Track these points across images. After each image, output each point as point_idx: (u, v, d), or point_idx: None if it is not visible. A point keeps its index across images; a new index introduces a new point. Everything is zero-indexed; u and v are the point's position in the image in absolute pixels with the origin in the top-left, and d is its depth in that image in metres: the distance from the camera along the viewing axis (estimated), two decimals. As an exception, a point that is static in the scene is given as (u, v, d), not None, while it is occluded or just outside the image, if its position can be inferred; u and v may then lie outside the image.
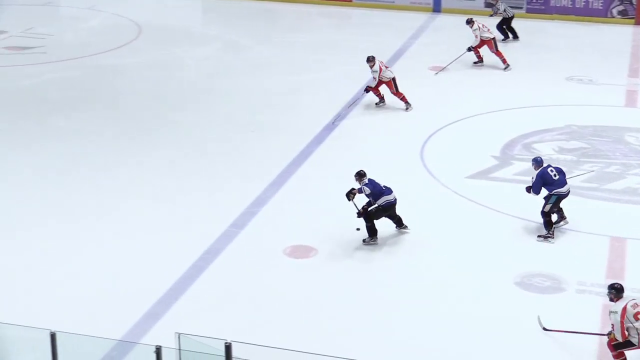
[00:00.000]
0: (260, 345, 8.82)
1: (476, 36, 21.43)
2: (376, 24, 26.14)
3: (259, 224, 14.14)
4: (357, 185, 13.30)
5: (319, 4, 28.42)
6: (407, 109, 18.86)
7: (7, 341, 9.56)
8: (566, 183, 13.59)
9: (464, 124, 18.31)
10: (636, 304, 10.42)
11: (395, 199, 13.42)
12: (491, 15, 24.49)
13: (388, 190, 13.41)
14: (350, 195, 13.22)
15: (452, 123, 18.27)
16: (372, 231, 13.41)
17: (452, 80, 21.03)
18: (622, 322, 10.35)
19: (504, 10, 23.97)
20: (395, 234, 13.67)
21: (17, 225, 13.99)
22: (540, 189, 13.50)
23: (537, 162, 13.69)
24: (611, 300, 10.65)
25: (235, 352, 8.30)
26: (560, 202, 13.60)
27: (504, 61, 21.67)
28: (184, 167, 16.26)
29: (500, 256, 13.13)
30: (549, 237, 13.53)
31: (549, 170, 13.52)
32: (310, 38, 25.16)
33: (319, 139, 17.48)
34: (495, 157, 16.67)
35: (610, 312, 10.54)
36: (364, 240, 13.43)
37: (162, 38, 24.71)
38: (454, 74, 21.35)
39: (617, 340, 10.44)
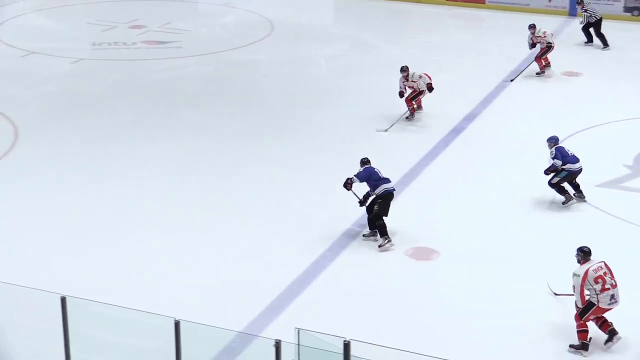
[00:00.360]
0: (378, 345, 8.79)
1: (537, 42, 20.92)
2: (509, 26, 25.70)
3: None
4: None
5: (450, 5, 28.18)
6: (407, 117, 18.17)
7: (133, 326, 9.83)
8: (579, 161, 14.31)
9: (596, 131, 17.83)
10: (600, 267, 10.93)
11: (394, 189, 13.37)
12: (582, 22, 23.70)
13: (386, 180, 13.29)
14: (347, 185, 13.22)
15: (584, 130, 17.82)
16: (382, 230, 13.16)
17: (585, 85, 20.52)
18: (582, 285, 10.85)
19: (590, 13, 23.25)
20: (529, 239, 13.44)
21: (145, 215, 14.39)
22: (561, 161, 14.18)
23: (554, 140, 14.56)
24: (578, 262, 11.04)
25: (353, 351, 8.29)
26: (571, 178, 14.39)
27: (541, 67, 21.07)
28: (312, 164, 16.38)
29: (633, 268, 12.68)
30: (570, 199, 14.47)
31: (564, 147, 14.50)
32: (440, 39, 24.96)
33: (446, 141, 17.33)
34: (627, 166, 16.16)
35: (574, 274, 10.95)
36: (379, 246, 13.17)
37: (294, 36, 24.96)
38: (588, 79, 20.83)
39: (579, 307, 10.90)
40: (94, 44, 23.77)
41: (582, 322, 10.91)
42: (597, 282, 10.80)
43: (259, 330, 11.08)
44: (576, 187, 14.64)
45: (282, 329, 10.61)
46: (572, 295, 11.04)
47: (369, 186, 13.35)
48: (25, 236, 13.61)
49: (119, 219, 14.22)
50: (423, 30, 26.60)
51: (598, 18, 23.23)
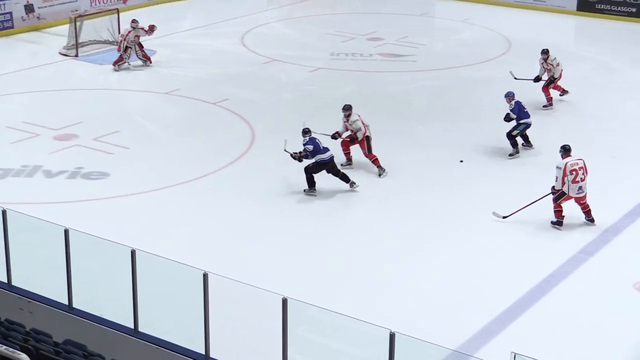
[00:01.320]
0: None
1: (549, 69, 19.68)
2: None
3: (611, 253, 13.55)
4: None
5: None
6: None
7: (347, 334, 9.95)
8: (530, 116, 17.09)
9: None
10: (576, 163, 14.01)
11: (330, 158, 15.28)
12: None
13: (324, 150, 15.28)
14: (299, 158, 15.32)
15: None
16: (310, 183, 15.42)
17: None
18: (563, 176, 13.95)
19: None
20: None
21: (363, 226, 14.56)
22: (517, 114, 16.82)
23: (510, 95, 16.96)
24: (562, 157, 14.10)
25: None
26: (525, 130, 17.08)
27: (548, 100, 19.84)
28: (538, 185, 15.96)
29: None
30: (516, 153, 17.03)
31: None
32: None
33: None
34: None
35: (557, 167, 14.08)
36: (304, 190, 15.39)
37: (531, 54, 24.42)
38: None
39: (557, 191, 14.01)
40: (332, 54, 24.36)
41: (557, 204, 14.11)
42: (571, 174, 13.93)
43: (473, 351, 10.92)
44: (525, 138, 17.29)
45: (495, 352, 10.43)
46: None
47: (310, 154, 15.26)
48: (261, 237, 14.14)
49: (338, 228, 14.47)
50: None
51: None
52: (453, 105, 20.46)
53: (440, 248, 13.80)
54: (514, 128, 17.04)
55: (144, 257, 10.05)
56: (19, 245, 11.03)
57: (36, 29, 26.50)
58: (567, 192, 13.97)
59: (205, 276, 9.47)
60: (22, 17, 26.26)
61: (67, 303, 10.61)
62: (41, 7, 26.70)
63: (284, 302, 9.08)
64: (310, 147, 15.24)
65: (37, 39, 25.78)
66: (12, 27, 26.00)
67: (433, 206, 15.22)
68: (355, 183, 15.66)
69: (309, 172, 15.43)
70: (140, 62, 22.86)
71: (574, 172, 13.89)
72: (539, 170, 16.20)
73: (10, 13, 26.01)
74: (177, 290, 11.02)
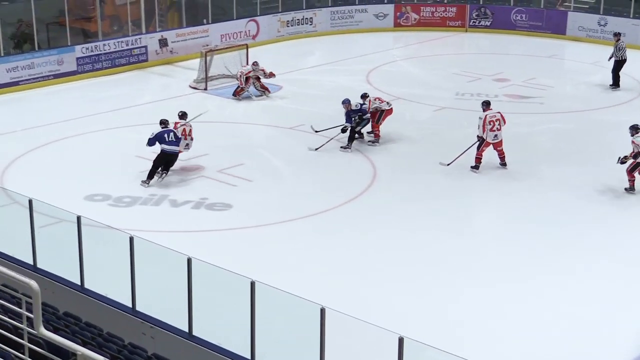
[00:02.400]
0: None
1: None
2: None
3: None
4: None
5: None
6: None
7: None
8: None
9: None
10: (494, 115, 17.92)
11: (172, 152, 17.36)
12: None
13: (173, 143, 17.37)
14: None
15: None
16: (151, 173, 17.42)
17: None
18: (483, 125, 17.78)
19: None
20: None
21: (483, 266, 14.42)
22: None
23: (347, 101, 19.46)
24: (483, 110, 17.96)
25: None
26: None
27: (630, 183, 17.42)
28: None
29: None
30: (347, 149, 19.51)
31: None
32: None
33: None
34: None
35: (479, 117, 17.96)
36: (142, 181, 17.47)
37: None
38: None
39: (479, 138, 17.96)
40: (457, 94, 24.31)
41: (478, 152, 17.87)
42: (490, 124, 17.71)
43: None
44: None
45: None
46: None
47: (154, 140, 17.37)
48: (372, 271, 14.19)
49: (455, 273, 14.38)
50: None
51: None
52: (579, 148, 20.09)
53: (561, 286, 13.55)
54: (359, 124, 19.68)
55: (262, 289, 10.20)
56: (144, 271, 11.38)
57: (169, 62, 27.43)
58: (485, 138, 17.72)
59: (322, 311, 9.54)
60: (156, 50, 27.23)
61: (187, 330, 10.86)
62: (174, 42, 27.63)
63: (400, 341, 9.05)
64: (152, 135, 17.40)
65: (169, 72, 26.66)
66: (146, 60, 27.00)
67: (560, 245, 15.02)
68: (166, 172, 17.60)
69: (155, 163, 17.52)
70: (258, 93, 23.60)
71: (491, 123, 17.70)
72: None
73: (146, 47, 27.01)
74: (296, 323, 11.12)
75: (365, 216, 16.33)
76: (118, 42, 26.44)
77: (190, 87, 24.91)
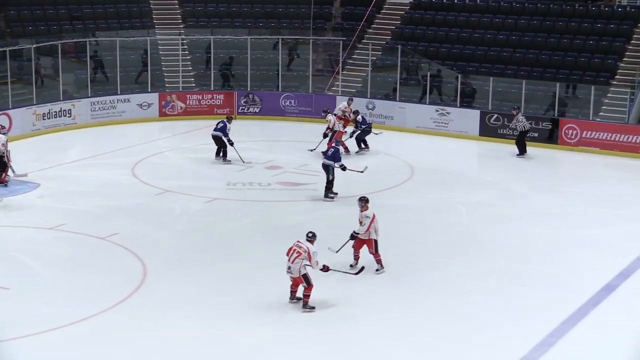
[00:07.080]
0: None
1: None
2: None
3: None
4: None
5: (605, 154, 27.88)
6: None
7: None
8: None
9: None
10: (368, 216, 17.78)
11: None
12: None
13: None
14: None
15: None
16: None
17: None
18: (370, 225, 17.67)
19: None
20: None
21: None
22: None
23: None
24: (363, 208, 17.81)
25: None
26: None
27: None
28: (443, 317, 16.05)
29: None
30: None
31: None
32: (595, 190, 24.57)
33: (595, 300, 16.74)
34: None
35: (366, 216, 17.75)
36: None
37: (435, 180, 25.06)
38: None
39: (359, 234, 17.86)
40: (228, 184, 24.45)
41: (377, 254, 17.85)
42: (377, 223, 17.74)
43: None
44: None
45: None
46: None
47: None
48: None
49: None
50: (576, 179, 26.32)
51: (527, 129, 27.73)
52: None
53: None
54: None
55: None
56: None
57: None
58: (375, 238, 17.68)
59: None
60: None
61: None
62: None
63: None
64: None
65: None
66: None
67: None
68: None
69: None
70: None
71: (376, 224, 17.72)
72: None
73: None
74: None
75: (130, 323, 15.80)
76: None
77: None
